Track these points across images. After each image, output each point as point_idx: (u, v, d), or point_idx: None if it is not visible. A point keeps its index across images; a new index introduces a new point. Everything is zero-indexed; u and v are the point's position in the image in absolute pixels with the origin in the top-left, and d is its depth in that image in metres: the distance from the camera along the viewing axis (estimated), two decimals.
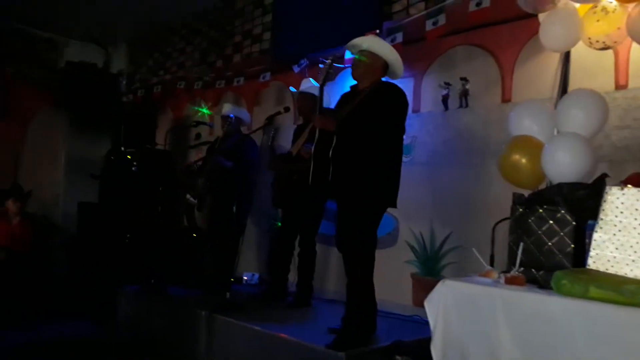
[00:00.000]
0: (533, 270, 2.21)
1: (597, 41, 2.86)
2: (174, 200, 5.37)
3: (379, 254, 3.12)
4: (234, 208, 4.06)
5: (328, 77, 3.28)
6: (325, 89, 3.28)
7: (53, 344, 4.22)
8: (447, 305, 2.21)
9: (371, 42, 3.19)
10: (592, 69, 3.19)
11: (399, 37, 3.97)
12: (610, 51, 3.06)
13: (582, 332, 1.80)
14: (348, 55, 3.85)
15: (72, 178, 6.66)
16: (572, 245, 2.15)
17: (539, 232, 2.23)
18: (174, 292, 4.48)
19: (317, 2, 4.78)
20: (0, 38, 6.47)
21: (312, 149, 3.11)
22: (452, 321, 2.19)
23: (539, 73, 3.48)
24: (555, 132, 2.80)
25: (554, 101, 3.19)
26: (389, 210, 3.50)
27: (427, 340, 2.26)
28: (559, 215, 2.19)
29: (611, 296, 1.78)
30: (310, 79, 4.28)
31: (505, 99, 3.65)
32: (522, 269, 2.20)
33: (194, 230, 5.18)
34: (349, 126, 3.01)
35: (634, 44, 3.00)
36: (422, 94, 4.14)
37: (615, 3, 2.77)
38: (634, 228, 1.94)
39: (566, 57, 3.23)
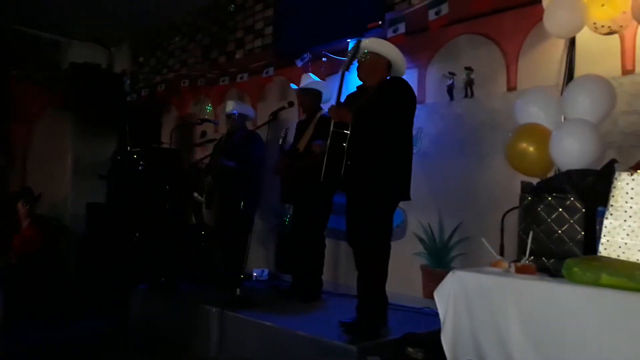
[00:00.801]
0: (543, 258, 2.20)
1: (603, 26, 2.83)
2: (182, 198, 5.38)
3: None
4: (242, 205, 4.06)
5: (349, 64, 3.29)
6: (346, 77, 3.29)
7: (65, 343, 4.25)
8: (456, 296, 2.21)
9: (373, 44, 3.26)
10: (598, 54, 3.15)
11: (402, 27, 3.94)
12: (616, 36, 3.02)
13: (594, 320, 1.79)
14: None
15: (79, 179, 6.71)
16: (582, 233, 2.13)
17: (549, 220, 2.22)
18: (184, 289, 4.50)
19: None
20: (3, 40, 6.49)
21: (328, 144, 3.10)
22: (462, 312, 2.19)
23: (544, 60, 3.45)
24: (562, 119, 2.78)
25: (560, 88, 3.17)
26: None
27: (439, 331, 2.26)
28: (568, 202, 2.18)
29: (623, 283, 1.77)
30: (311, 74, 4.27)
31: (511, 87, 3.63)
32: (532, 257, 2.19)
33: (203, 227, 5.20)
34: (359, 121, 3.04)
35: None
36: (427, 85, 4.13)
37: None
38: None
39: (571, 43, 3.20)
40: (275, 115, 4.26)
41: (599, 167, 2.40)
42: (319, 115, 4.03)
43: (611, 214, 2.01)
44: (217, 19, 6.19)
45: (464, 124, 3.87)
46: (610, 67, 3.10)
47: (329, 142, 3.10)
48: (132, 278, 4.92)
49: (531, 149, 2.78)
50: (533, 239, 2.21)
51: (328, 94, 4.13)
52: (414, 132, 4.02)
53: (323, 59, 4.67)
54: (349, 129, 3.03)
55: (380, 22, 4.02)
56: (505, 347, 2.02)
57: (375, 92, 3.15)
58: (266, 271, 5.08)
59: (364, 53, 3.24)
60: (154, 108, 6.59)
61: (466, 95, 3.85)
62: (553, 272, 2.14)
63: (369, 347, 2.84)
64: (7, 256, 5.20)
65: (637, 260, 1.91)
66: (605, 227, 2.01)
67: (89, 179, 6.39)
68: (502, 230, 2.91)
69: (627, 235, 1.96)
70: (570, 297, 1.87)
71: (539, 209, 2.25)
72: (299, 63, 4.79)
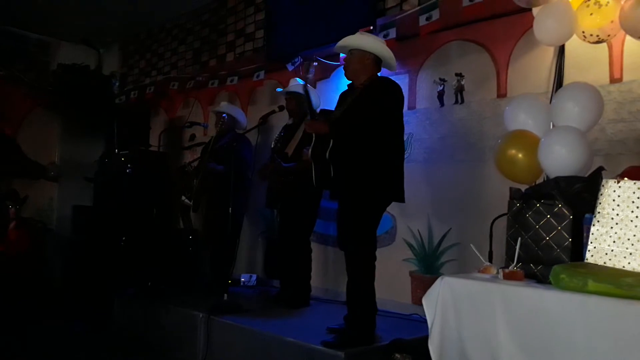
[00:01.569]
0: (531, 265, 2.20)
1: (591, 35, 2.85)
2: (169, 201, 5.34)
3: (377, 253, 3.10)
4: (230, 209, 4.04)
5: (308, 78, 3.30)
6: (310, 88, 3.29)
7: (49, 347, 4.19)
8: (445, 302, 2.20)
9: (358, 40, 3.19)
10: (586, 62, 3.18)
11: (393, 33, 3.96)
12: (604, 44, 3.05)
13: (580, 326, 1.79)
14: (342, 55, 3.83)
15: (66, 181, 6.64)
16: (570, 239, 2.14)
17: (537, 226, 2.22)
18: (170, 294, 4.45)
19: None
20: None
21: (309, 152, 3.12)
22: (449, 317, 2.18)
23: (534, 67, 3.47)
24: (551, 126, 2.79)
25: (550, 95, 3.19)
26: (387, 209, 3.49)
27: (427, 338, 2.25)
28: (556, 209, 2.19)
29: (610, 289, 1.78)
30: (297, 78, 4.26)
31: (501, 94, 3.64)
32: (520, 264, 2.19)
33: (190, 231, 5.17)
34: (343, 126, 3.02)
35: (628, 37, 2.99)
36: (417, 91, 4.13)
37: None
38: (631, 221, 1.94)
39: (561, 51, 3.22)
40: (265, 119, 4.25)
41: (586, 174, 2.41)
42: (306, 119, 4.02)
43: (598, 221, 2.02)
44: (208, 21, 6.17)
45: (454, 130, 3.88)
46: (599, 75, 3.12)
47: (311, 149, 3.12)
48: (118, 282, 4.87)
49: (520, 155, 2.78)
50: (521, 245, 2.21)
51: (315, 99, 4.10)
52: (405, 138, 4.04)
53: (314, 63, 4.67)
54: (330, 137, 3.03)
55: (371, 27, 4.02)
56: (493, 353, 2.01)
57: (359, 95, 3.10)
58: (254, 276, 5.05)
59: (351, 50, 3.17)
60: (143, 110, 6.55)
61: (456, 102, 3.86)
62: (541, 279, 2.14)
63: (357, 353, 2.82)
64: None
65: (623, 267, 1.92)
66: (592, 234, 2.02)
67: (75, 181, 6.32)
68: (491, 236, 2.91)
69: (614, 242, 1.97)
70: (557, 304, 1.87)
71: (527, 215, 2.26)
72: (290, 67, 4.78)
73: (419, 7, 3.85)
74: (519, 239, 2.23)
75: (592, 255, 2.01)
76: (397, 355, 2.69)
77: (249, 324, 3.40)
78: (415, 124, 4.09)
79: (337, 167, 3.05)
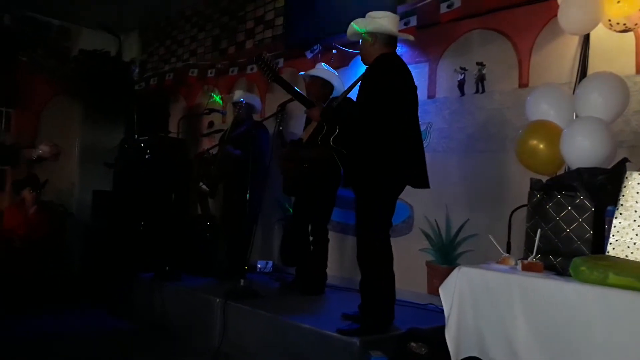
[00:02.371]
0: (551, 256, 2.18)
1: (618, 23, 2.78)
2: (188, 188, 5.38)
3: (394, 242, 3.09)
4: (247, 195, 4.05)
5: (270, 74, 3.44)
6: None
7: (68, 331, 4.27)
8: (462, 292, 2.19)
9: (364, 23, 3.12)
10: (612, 52, 3.11)
11: (413, 20, 3.91)
12: (631, 34, 2.98)
13: (600, 319, 1.78)
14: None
15: (86, 166, 6.74)
16: (591, 232, 2.11)
17: (557, 218, 2.20)
18: (188, 279, 4.51)
19: None
20: (13, 27, 6.49)
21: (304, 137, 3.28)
22: (467, 308, 2.18)
23: (557, 57, 3.41)
24: (574, 117, 2.74)
25: (573, 85, 3.13)
26: (404, 198, 3.47)
27: (442, 328, 2.25)
28: (577, 201, 2.16)
29: (631, 283, 1.75)
30: (322, 63, 4.23)
31: (523, 84, 3.59)
32: (539, 255, 2.17)
33: (208, 217, 5.21)
34: (334, 113, 3.11)
35: None
36: (438, 80, 4.09)
37: None
38: None
39: (585, 40, 3.16)
40: (283, 106, 4.23)
41: (609, 166, 2.37)
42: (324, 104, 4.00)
43: (621, 214, 1.99)
44: (227, 9, 6.17)
45: (474, 120, 3.83)
46: (625, 65, 3.06)
47: (320, 137, 3.25)
48: (136, 267, 4.94)
49: (541, 146, 2.75)
50: (541, 236, 2.19)
51: (339, 85, 4.07)
52: (424, 127, 4.01)
53: (333, 50, 4.64)
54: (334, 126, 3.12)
55: None
56: (511, 344, 2.01)
57: (363, 79, 3.09)
58: (270, 263, 5.08)
59: (362, 34, 3.11)
60: (162, 97, 6.59)
61: (477, 91, 3.82)
62: (560, 271, 2.12)
63: (372, 341, 2.82)
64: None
65: None
66: (615, 226, 1.99)
67: (96, 166, 6.40)
68: (509, 227, 2.89)
69: (637, 235, 1.94)
70: (576, 296, 1.85)
71: (547, 206, 2.23)
72: (309, 55, 4.76)
73: None
74: (539, 230, 2.21)
75: (613, 248, 1.98)
76: (413, 344, 2.69)
77: (264, 310, 3.42)
78: (435, 113, 4.05)
79: (343, 154, 3.06)
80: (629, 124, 3.03)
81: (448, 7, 3.67)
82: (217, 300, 3.73)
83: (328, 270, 4.09)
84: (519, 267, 2.13)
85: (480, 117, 3.80)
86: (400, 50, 3.42)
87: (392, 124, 2.89)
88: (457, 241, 3.78)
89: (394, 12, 3.99)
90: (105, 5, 6.36)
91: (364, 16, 3.17)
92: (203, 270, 4.78)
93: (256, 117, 4.86)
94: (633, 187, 1.98)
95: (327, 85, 4.02)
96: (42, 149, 6.07)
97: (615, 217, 2.00)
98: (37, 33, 6.68)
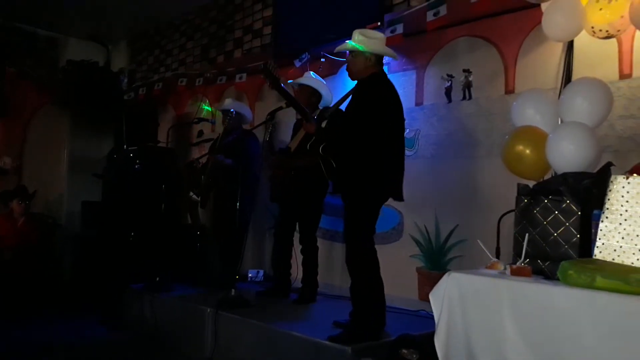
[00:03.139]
0: (539, 261, 2.19)
1: (601, 30, 2.82)
2: (178, 197, 5.36)
3: (384, 249, 3.12)
4: (237, 205, 4.05)
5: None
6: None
7: (59, 342, 4.22)
8: (451, 298, 2.20)
9: (354, 42, 3.20)
10: (595, 58, 3.16)
11: (400, 28, 3.94)
12: (613, 40, 3.02)
13: (588, 322, 1.78)
14: None
15: (75, 177, 6.69)
16: (578, 236, 2.13)
17: (545, 222, 2.21)
18: (179, 289, 4.48)
19: None
20: (1, 37, 6.46)
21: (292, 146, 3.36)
22: (456, 313, 2.18)
23: (542, 63, 3.45)
24: (559, 122, 2.78)
25: (558, 91, 3.17)
26: (394, 204, 3.51)
27: (434, 334, 2.25)
28: (564, 205, 2.17)
29: (618, 286, 1.77)
30: (311, 72, 4.25)
31: (509, 90, 3.63)
32: (528, 260, 2.19)
33: (198, 227, 5.19)
34: (328, 134, 3.23)
35: (638, 33, 2.97)
36: (425, 87, 4.12)
37: None
38: None
39: (569, 47, 3.20)
40: (272, 115, 4.24)
41: (595, 171, 2.40)
42: (315, 113, 4.02)
43: (607, 217, 2.01)
44: (216, 18, 6.18)
45: (462, 126, 3.86)
46: (608, 71, 3.10)
47: (309, 145, 3.35)
48: (126, 277, 4.90)
49: (528, 151, 2.77)
50: (529, 241, 2.20)
51: (327, 94, 4.11)
52: (412, 134, 4.05)
53: (321, 59, 4.66)
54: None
55: (379, 23, 4.01)
56: (500, 348, 2.01)
57: (352, 96, 3.21)
58: (262, 272, 5.07)
59: (350, 52, 3.21)
60: (151, 107, 6.57)
61: (464, 98, 3.85)
62: (548, 275, 2.13)
63: (364, 348, 2.83)
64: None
65: (632, 263, 1.91)
66: (601, 230, 2.01)
67: (84, 177, 6.36)
68: (498, 232, 2.91)
69: (622, 238, 1.96)
70: (565, 300, 1.86)
71: (535, 211, 2.25)
72: (298, 63, 4.78)
73: (426, 3, 3.83)
74: (527, 235, 2.22)
75: (600, 252, 2.00)
76: (404, 351, 2.70)
77: (256, 319, 3.41)
78: (423, 120, 4.08)
79: (331, 163, 3.16)
80: (613, 129, 3.07)
81: (434, 15, 3.70)
82: (208, 310, 3.71)
83: (318, 278, 4.09)
84: (508, 271, 2.14)
85: (467, 123, 3.83)
86: (388, 57, 3.45)
87: (381, 138, 3.00)
88: (446, 247, 3.79)
89: (382, 20, 4.05)
90: (93, 15, 6.35)
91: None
92: (194, 280, 4.75)
93: (246, 127, 4.87)
94: (618, 191, 2.00)
95: (315, 94, 4.05)
96: (5, 161, 6.03)
97: (602, 221, 2.01)
98: (25, 43, 6.66)
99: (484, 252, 2.35)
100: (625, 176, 1.99)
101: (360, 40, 3.17)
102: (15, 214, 5.58)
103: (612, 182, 2.02)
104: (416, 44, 4.09)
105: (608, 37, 2.86)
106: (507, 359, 1.99)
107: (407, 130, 4.11)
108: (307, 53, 4.71)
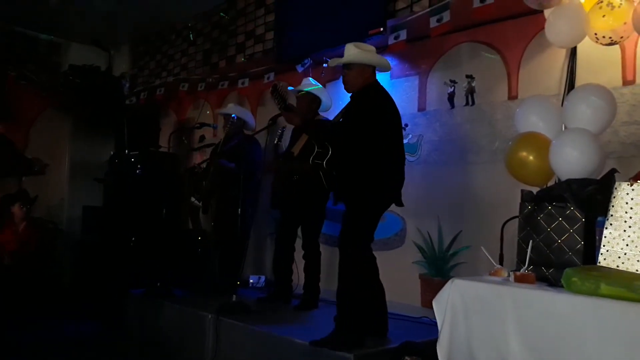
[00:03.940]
0: (543, 268, 2.18)
1: (604, 36, 2.83)
2: (179, 202, 5.36)
3: (386, 255, 3.10)
4: (239, 210, 4.04)
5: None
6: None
7: (59, 346, 4.21)
8: (455, 304, 2.18)
9: (348, 54, 3.20)
10: (598, 64, 3.15)
11: (403, 34, 3.95)
12: (617, 46, 3.03)
13: (593, 330, 1.77)
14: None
15: (76, 182, 6.69)
16: (582, 242, 2.12)
17: (549, 229, 2.20)
18: (179, 295, 4.46)
19: (320, 0, 4.75)
20: (2, 41, 6.48)
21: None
22: (459, 321, 2.17)
23: (545, 69, 3.45)
24: (563, 128, 2.77)
25: (561, 97, 3.16)
26: (396, 210, 3.49)
27: (437, 341, 2.24)
28: (568, 212, 2.16)
29: (622, 293, 1.76)
30: (310, 78, 4.26)
31: (512, 96, 3.63)
32: (531, 267, 2.17)
33: (199, 232, 5.17)
34: (330, 135, 3.22)
35: None
36: (428, 92, 4.12)
37: None
38: None
39: (573, 53, 3.20)
40: (274, 120, 4.23)
41: (598, 177, 2.39)
42: (315, 120, 4.02)
43: (611, 224, 2.00)
44: (218, 23, 6.19)
45: (465, 132, 3.86)
46: (611, 77, 3.10)
47: (312, 157, 3.39)
48: (127, 283, 4.89)
49: (531, 157, 2.77)
50: (533, 248, 2.19)
51: (327, 100, 4.11)
52: (415, 140, 4.05)
53: (324, 64, 4.66)
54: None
55: (381, 29, 4.02)
56: (502, 356, 2.00)
57: (349, 107, 3.20)
58: (263, 278, 5.05)
59: (346, 64, 3.20)
60: (153, 111, 6.58)
61: (467, 103, 3.85)
62: (552, 282, 2.12)
63: (366, 355, 2.80)
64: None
65: (637, 270, 1.90)
66: (605, 237, 2.00)
67: (86, 181, 6.36)
68: (501, 239, 2.89)
69: (627, 245, 1.95)
70: (569, 307, 1.85)
71: (539, 218, 2.24)
72: (300, 69, 4.79)
73: (429, 9, 3.84)
74: (531, 241, 2.21)
75: (604, 259, 1.99)
76: (407, 358, 2.68)
77: (257, 326, 3.39)
78: (426, 126, 4.08)
79: (331, 173, 3.15)
80: (617, 135, 3.06)
81: (438, 20, 3.71)
82: (209, 315, 3.69)
83: (320, 284, 4.08)
84: (512, 278, 2.13)
85: (470, 129, 3.83)
86: (390, 63, 3.45)
87: (380, 147, 3.01)
88: (449, 253, 3.78)
89: (385, 25, 4.05)
90: (95, 20, 6.36)
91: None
92: (195, 285, 4.74)
93: (248, 133, 4.86)
94: (622, 198, 1.99)
95: (316, 100, 4.06)
96: (38, 163, 6.07)
97: (606, 228, 2.00)
98: (27, 48, 6.67)
99: (487, 259, 2.34)
100: (629, 183, 1.99)
101: (355, 53, 3.18)
102: (16, 219, 5.57)
103: (616, 188, 2.02)
104: (419, 49, 4.10)
105: (611, 43, 2.86)
106: None
107: (410, 136, 4.12)
108: (309, 58, 4.72)
